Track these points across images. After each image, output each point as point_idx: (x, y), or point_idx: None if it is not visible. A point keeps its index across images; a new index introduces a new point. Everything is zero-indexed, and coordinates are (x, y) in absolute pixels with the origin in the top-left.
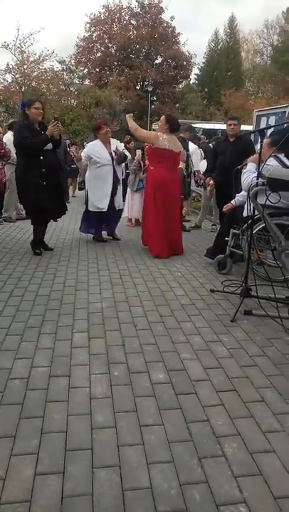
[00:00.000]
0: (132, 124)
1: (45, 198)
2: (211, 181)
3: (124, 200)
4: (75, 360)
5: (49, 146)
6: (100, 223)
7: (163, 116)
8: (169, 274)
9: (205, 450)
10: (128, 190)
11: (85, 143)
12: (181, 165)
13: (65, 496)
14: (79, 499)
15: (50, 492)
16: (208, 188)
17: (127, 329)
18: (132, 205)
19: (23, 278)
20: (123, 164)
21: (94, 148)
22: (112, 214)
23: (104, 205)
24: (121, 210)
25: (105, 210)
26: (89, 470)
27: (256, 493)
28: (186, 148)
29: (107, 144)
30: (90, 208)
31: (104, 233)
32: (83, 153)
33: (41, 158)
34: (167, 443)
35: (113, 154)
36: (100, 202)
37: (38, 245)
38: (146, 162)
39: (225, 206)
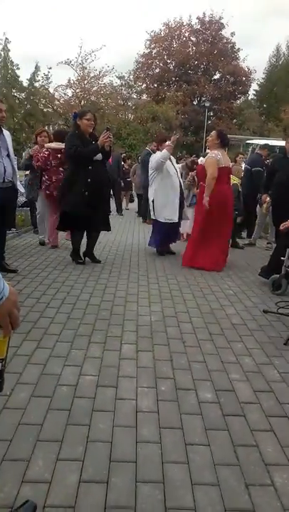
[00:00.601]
0: (208, 185)
1: (83, 208)
2: (268, 198)
3: None
4: (123, 371)
5: (99, 156)
6: (166, 236)
7: (214, 132)
8: (220, 291)
9: (253, 477)
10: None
11: (140, 158)
12: (236, 180)
13: (108, 507)
14: (121, 511)
15: (93, 500)
16: (264, 206)
17: (176, 345)
18: (184, 220)
19: (76, 287)
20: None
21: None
22: (176, 225)
23: (175, 217)
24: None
25: (176, 220)
26: (132, 483)
27: None
28: (263, 165)
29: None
30: (160, 219)
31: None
32: (156, 161)
33: (89, 168)
34: (213, 465)
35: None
36: (171, 213)
37: (78, 255)
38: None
39: (282, 225)
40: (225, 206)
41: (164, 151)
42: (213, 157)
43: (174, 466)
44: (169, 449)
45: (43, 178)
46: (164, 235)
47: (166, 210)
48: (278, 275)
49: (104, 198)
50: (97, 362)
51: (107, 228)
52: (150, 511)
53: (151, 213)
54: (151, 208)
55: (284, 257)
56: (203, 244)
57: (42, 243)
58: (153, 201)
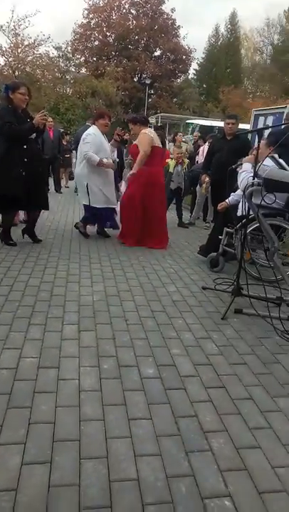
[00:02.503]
0: (139, 161)
1: (20, 188)
2: (207, 178)
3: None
4: (65, 352)
5: (33, 135)
6: (102, 218)
7: (130, 124)
8: (162, 270)
9: (192, 445)
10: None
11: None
12: (171, 162)
13: (52, 486)
14: (65, 489)
15: (36, 481)
16: (204, 186)
17: (118, 323)
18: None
19: (13, 268)
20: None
21: (98, 140)
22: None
23: (114, 200)
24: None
25: (116, 205)
26: (76, 461)
27: (241, 488)
28: None
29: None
30: (95, 205)
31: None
32: (88, 147)
33: (24, 147)
34: (155, 437)
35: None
36: (110, 197)
37: (9, 235)
38: None
39: (219, 205)
40: (154, 187)
41: (96, 159)
42: (146, 133)
43: (117, 441)
44: (112, 426)
45: None
46: (100, 216)
47: (103, 193)
48: (216, 253)
49: (42, 176)
50: (37, 344)
51: (46, 207)
52: (94, 486)
53: (85, 197)
54: (84, 191)
55: (221, 236)
56: (145, 225)
57: None
58: (87, 185)
